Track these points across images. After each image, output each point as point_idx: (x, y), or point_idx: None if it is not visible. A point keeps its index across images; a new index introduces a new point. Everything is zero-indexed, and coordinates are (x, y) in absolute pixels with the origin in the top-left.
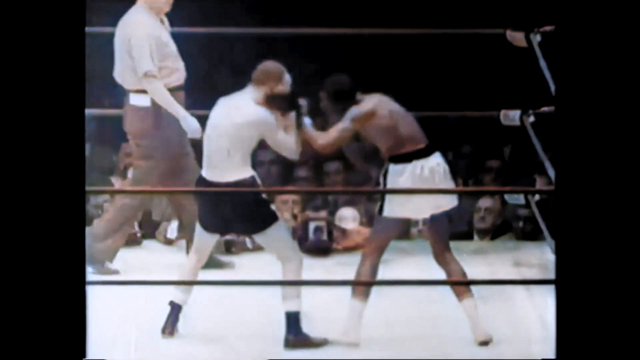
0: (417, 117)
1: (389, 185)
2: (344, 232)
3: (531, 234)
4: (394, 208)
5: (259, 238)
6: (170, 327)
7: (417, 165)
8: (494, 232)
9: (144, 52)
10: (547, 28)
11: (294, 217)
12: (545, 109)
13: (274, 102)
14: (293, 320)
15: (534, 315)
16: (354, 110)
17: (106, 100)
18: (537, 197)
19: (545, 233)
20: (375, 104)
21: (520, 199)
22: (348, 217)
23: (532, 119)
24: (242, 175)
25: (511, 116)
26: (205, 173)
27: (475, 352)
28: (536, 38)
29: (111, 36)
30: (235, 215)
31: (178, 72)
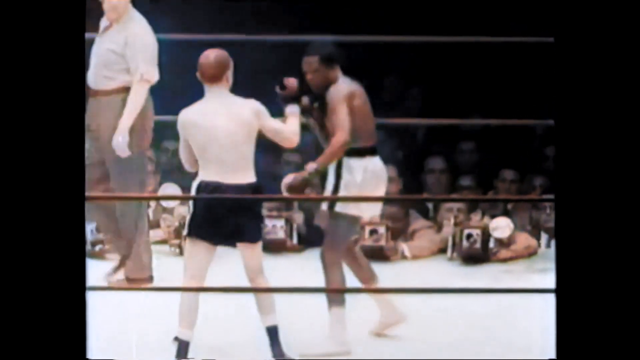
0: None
1: (343, 180)
2: (501, 241)
3: None
4: (347, 204)
5: (247, 249)
6: None
7: (369, 162)
8: None
9: None
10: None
11: (456, 224)
12: None
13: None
14: (274, 334)
15: None
16: (338, 91)
17: None
18: None
19: None
20: (353, 86)
21: None
22: (501, 227)
23: None
24: (253, 178)
25: None
26: (215, 176)
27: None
28: None
29: None
30: (237, 220)
31: None
